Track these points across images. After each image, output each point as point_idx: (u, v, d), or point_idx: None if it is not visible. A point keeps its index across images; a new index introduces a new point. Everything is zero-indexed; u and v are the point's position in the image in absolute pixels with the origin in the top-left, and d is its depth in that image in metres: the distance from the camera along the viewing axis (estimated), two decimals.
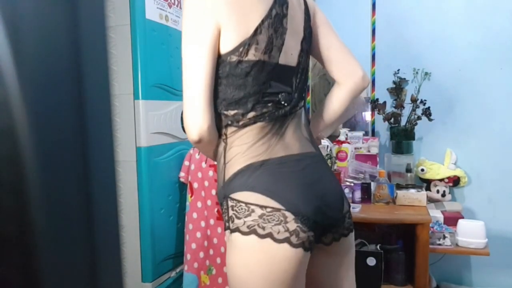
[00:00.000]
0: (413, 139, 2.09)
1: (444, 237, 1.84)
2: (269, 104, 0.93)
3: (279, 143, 0.93)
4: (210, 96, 0.89)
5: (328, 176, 0.99)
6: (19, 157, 0.32)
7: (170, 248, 1.78)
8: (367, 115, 2.28)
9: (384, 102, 2.16)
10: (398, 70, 2.15)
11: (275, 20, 0.91)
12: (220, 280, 1.83)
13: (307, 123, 1.03)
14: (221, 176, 0.94)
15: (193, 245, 1.78)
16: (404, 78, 2.18)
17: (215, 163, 1.87)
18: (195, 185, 1.79)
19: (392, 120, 2.11)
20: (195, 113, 0.87)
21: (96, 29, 0.39)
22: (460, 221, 1.89)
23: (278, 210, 0.85)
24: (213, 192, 1.82)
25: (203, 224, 1.80)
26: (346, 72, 1.05)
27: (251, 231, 0.84)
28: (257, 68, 0.90)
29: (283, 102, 0.94)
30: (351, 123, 2.26)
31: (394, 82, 2.19)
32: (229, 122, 0.92)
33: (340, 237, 0.99)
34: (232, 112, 0.91)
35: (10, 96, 0.31)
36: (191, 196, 1.79)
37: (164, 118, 1.74)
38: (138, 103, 1.62)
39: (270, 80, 0.93)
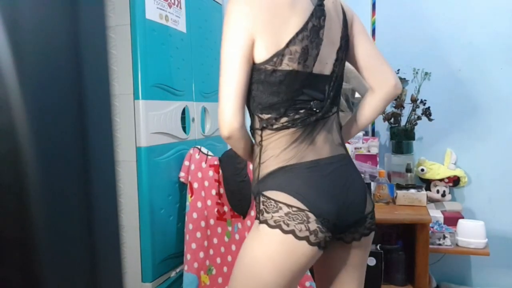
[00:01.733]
0: (413, 139, 2.09)
1: (444, 237, 1.84)
2: (301, 111, 1.00)
3: (310, 148, 1.01)
4: (243, 99, 0.98)
5: (355, 178, 1.07)
6: (19, 157, 0.32)
7: (170, 248, 1.78)
8: None
9: None
10: (398, 70, 2.15)
11: (311, 32, 0.99)
12: (220, 280, 1.83)
13: (339, 128, 1.11)
14: (255, 174, 1.05)
15: (193, 245, 1.78)
16: (404, 78, 2.18)
17: (216, 163, 1.86)
18: (195, 185, 1.79)
19: (392, 120, 2.11)
20: (228, 112, 0.97)
21: (96, 29, 0.39)
22: (460, 221, 1.89)
23: (303, 210, 0.96)
24: (213, 192, 1.82)
25: (203, 224, 1.80)
26: (379, 80, 1.13)
27: (277, 225, 0.95)
28: (290, 77, 0.97)
29: (314, 109, 1.02)
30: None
31: None
32: (264, 125, 1.01)
33: (360, 236, 1.08)
34: (266, 116, 1.01)
35: (10, 96, 0.31)
36: (191, 196, 1.79)
37: (164, 118, 1.74)
38: (138, 103, 1.62)
39: (303, 88, 1.00)
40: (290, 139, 1.00)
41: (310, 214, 0.95)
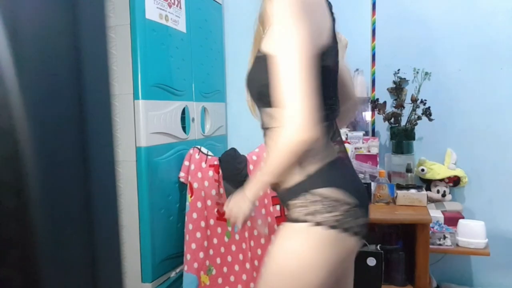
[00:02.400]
0: (413, 139, 2.09)
1: (445, 237, 1.84)
2: (331, 106, 1.01)
3: (334, 144, 1.01)
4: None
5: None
6: (19, 157, 0.32)
7: (170, 248, 1.78)
8: (367, 115, 2.27)
9: (384, 102, 2.16)
10: (398, 70, 2.15)
11: (333, 31, 1.01)
12: (220, 280, 1.83)
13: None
14: (300, 173, 0.97)
15: (193, 245, 1.78)
16: (404, 78, 2.17)
17: (216, 163, 1.85)
18: (195, 185, 1.79)
19: (392, 120, 2.11)
20: (311, 111, 0.86)
21: (96, 29, 0.39)
22: (461, 221, 1.89)
23: (355, 206, 0.95)
24: (213, 192, 1.82)
25: (203, 224, 1.80)
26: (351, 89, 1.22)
27: (335, 225, 0.92)
28: (325, 73, 0.96)
29: (335, 106, 1.04)
30: (352, 123, 2.26)
31: (394, 82, 2.19)
32: None
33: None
34: None
35: (10, 96, 0.31)
36: (191, 196, 1.79)
37: (164, 118, 1.74)
38: (138, 103, 1.62)
39: (330, 84, 1.01)
40: (327, 135, 0.98)
41: (359, 210, 0.96)
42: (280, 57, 0.88)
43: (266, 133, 1.05)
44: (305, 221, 0.94)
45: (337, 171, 0.98)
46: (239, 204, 1.06)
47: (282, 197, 1.04)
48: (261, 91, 0.98)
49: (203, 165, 1.82)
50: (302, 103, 0.84)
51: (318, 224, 0.92)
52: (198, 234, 1.78)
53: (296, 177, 0.98)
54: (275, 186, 1.05)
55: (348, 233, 0.93)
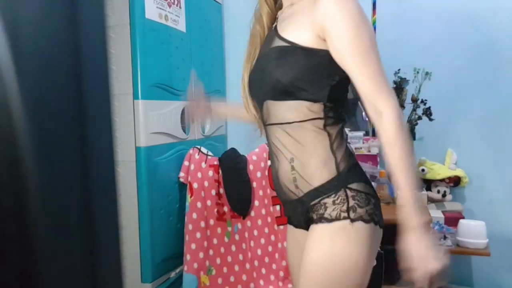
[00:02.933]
0: (414, 139, 2.09)
1: (445, 238, 1.84)
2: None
3: None
4: None
5: None
6: (19, 157, 0.32)
7: (169, 248, 1.78)
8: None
9: None
10: (399, 69, 2.14)
11: None
12: (220, 280, 1.83)
13: None
14: (332, 169, 0.97)
15: (193, 246, 1.78)
16: (405, 78, 2.17)
17: (216, 163, 1.84)
18: (195, 185, 1.79)
19: None
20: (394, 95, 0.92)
21: (96, 29, 0.39)
22: (461, 221, 1.89)
23: (378, 199, 1.00)
24: (213, 192, 1.81)
25: (202, 224, 1.80)
26: None
27: (370, 218, 0.95)
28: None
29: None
30: (352, 123, 2.26)
31: (394, 82, 2.18)
32: (331, 114, 0.99)
33: None
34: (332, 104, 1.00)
35: (10, 96, 0.31)
36: (190, 196, 1.79)
37: (163, 118, 1.74)
38: (137, 103, 1.62)
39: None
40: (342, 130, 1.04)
41: (379, 202, 1.01)
42: (363, 53, 0.89)
43: (278, 129, 1.00)
44: (346, 217, 0.93)
45: (360, 166, 1.03)
46: (423, 256, 0.87)
47: (307, 197, 0.98)
48: (291, 83, 0.94)
49: (203, 165, 1.82)
50: (393, 92, 0.91)
51: (359, 218, 0.93)
52: (198, 234, 1.78)
53: (327, 174, 0.96)
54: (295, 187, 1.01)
55: (379, 225, 0.97)
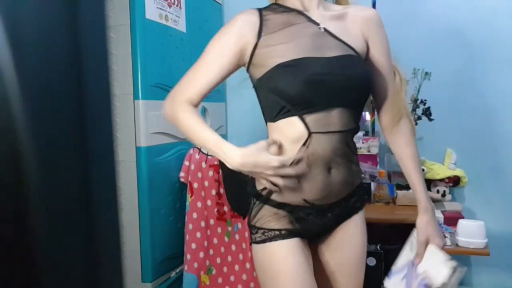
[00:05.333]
0: None
1: (444, 237, 1.84)
2: None
3: None
4: None
5: None
6: (19, 157, 0.32)
7: (170, 248, 1.78)
8: (367, 115, 2.27)
9: None
10: None
11: None
12: (220, 280, 1.83)
13: None
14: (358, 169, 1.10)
15: (193, 245, 1.78)
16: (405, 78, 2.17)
17: (216, 163, 1.84)
18: (195, 185, 1.79)
19: None
20: None
21: (96, 29, 0.39)
22: (460, 221, 1.89)
23: None
24: (213, 192, 1.82)
25: (203, 224, 1.80)
26: None
27: None
28: None
29: None
30: None
31: None
32: None
33: None
34: None
35: (10, 96, 0.31)
36: (191, 196, 1.79)
37: (164, 118, 1.73)
38: (138, 103, 1.62)
39: None
40: None
41: None
42: (393, 67, 1.16)
43: (347, 135, 1.01)
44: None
45: None
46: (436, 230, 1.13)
47: (357, 189, 1.09)
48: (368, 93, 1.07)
49: (203, 165, 1.82)
50: None
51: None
52: (198, 234, 1.78)
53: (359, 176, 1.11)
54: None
55: None
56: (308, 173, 0.97)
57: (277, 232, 1.01)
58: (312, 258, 1.07)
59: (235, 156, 0.93)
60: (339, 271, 1.09)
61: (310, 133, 0.96)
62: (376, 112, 1.16)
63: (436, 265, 1.04)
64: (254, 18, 1.02)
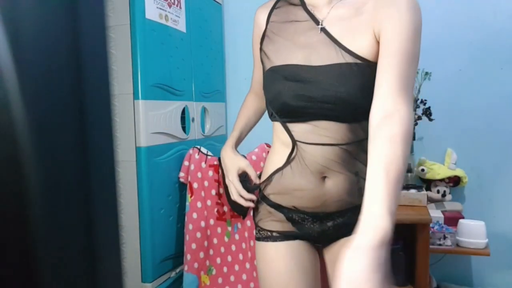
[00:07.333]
0: (414, 139, 2.09)
1: (445, 237, 1.84)
2: None
3: None
4: None
5: None
6: (19, 157, 0.32)
7: (170, 248, 1.78)
8: None
9: None
10: None
11: None
12: (220, 280, 1.83)
13: None
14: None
15: (193, 245, 1.78)
16: None
17: (215, 163, 1.84)
18: (195, 185, 1.79)
19: None
20: None
21: (96, 29, 0.39)
22: (461, 221, 1.89)
23: None
24: (213, 192, 1.82)
25: (203, 224, 1.80)
26: None
27: None
28: None
29: None
30: None
31: None
32: None
33: None
34: None
35: (10, 96, 0.31)
36: (191, 196, 1.79)
37: (164, 118, 1.74)
38: (138, 103, 1.62)
39: None
40: None
41: None
42: (413, 59, 0.89)
43: (350, 147, 0.91)
44: None
45: None
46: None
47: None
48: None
49: (203, 165, 1.82)
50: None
51: None
52: (198, 234, 1.78)
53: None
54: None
55: None
56: (297, 181, 0.94)
57: (268, 233, 1.01)
58: (322, 263, 1.04)
59: (223, 149, 1.18)
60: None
61: (295, 142, 0.93)
62: None
63: None
64: (263, 15, 1.04)
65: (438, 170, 2.07)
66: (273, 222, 1.01)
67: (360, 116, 0.89)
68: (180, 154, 1.83)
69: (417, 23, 0.91)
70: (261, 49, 1.02)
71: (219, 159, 1.84)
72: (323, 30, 0.91)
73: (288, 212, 0.99)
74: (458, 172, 2.08)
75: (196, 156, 1.81)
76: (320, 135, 0.91)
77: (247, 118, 1.21)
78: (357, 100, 0.86)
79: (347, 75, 0.86)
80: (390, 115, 0.75)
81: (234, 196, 1.08)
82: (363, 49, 0.87)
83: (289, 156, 0.95)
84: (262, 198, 1.04)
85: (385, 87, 0.79)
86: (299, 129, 0.93)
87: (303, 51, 0.92)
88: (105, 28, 0.40)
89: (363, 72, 0.86)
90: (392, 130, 0.74)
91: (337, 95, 0.86)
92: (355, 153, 0.92)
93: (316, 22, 0.93)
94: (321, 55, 0.89)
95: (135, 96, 1.62)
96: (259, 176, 1.09)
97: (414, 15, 0.90)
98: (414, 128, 2.07)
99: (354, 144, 0.92)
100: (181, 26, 1.88)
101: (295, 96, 0.90)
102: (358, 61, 0.87)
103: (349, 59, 0.87)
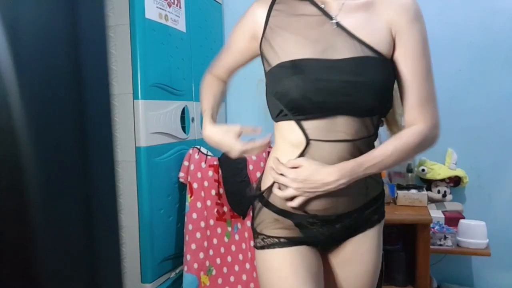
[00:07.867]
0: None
1: (445, 238, 1.83)
2: None
3: None
4: None
5: None
6: (19, 157, 0.32)
7: (169, 248, 1.78)
8: None
9: None
10: None
11: None
12: (220, 280, 1.83)
13: None
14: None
15: (193, 246, 1.78)
16: None
17: (215, 163, 1.84)
18: (195, 185, 1.79)
19: None
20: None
21: (96, 28, 0.39)
22: (461, 221, 1.89)
23: None
24: (213, 192, 1.81)
25: (202, 224, 1.80)
26: None
27: None
28: None
29: None
30: None
31: None
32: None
33: None
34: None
35: (10, 96, 0.31)
36: (190, 197, 1.79)
37: (163, 118, 1.73)
38: (137, 103, 1.62)
39: None
40: None
41: None
42: (428, 72, 0.93)
43: (360, 143, 0.93)
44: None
45: None
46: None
47: (375, 200, 1.01)
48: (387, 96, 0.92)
49: (203, 165, 1.81)
50: (435, 108, 0.98)
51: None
52: (198, 235, 1.78)
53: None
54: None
55: None
56: None
57: (275, 240, 0.97)
58: (324, 267, 1.02)
59: (204, 130, 1.02)
60: (347, 286, 1.02)
61: (308, 140, 0.90)
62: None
63: None
64: (262, 9, 0.99)
65: (439, 170, 2.07)
66: (280, 228, 0.97)
67: (375, 110, 0.92)
68: (180, 154, 1.83)
69: (425, 32, 0.98)
70: (261, 43, 0.98)
71: (219, 159, 1.84)
72: (338, 24, 0.91)
73: (297, 218, 0.95)
74: (459, 172, 2.08)
75: (196, 156, 1.81)
76: (336, 131, 0.89)
77: (214, 97, 1.13)
78: (376, 91, 0.88)
79: (367, 68, 0.88)
80: (407, 128, 0.93)
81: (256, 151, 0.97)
82: (379, 44, 0.90)
83: (299, 157, 0.92)
84: (265, 204, 0.99)
85: (405, 105, 0.94)
86: (313, 125, 0.90)
87: (317, 45, 0.90)
88: (105, 28, 0.40)
89: (381, 65, 0.89)
90: (408, 138, 0.92)
91: (357, 87, 0.87)
92: (364, 150, 0.92)
93: (329, 16, 0.92)
94: (339, 49, 0.89)
95: (135, 96, 1.62)
96: (259, 179, 1.05)
97: (423, 24, 1.00)
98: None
99: (364, 140, 0.92)
100: (181, 26, 1.88)
101: (315, 90, 0.87)
102: (375, 55, 0.89)
103: (368, 53, 0.89)
